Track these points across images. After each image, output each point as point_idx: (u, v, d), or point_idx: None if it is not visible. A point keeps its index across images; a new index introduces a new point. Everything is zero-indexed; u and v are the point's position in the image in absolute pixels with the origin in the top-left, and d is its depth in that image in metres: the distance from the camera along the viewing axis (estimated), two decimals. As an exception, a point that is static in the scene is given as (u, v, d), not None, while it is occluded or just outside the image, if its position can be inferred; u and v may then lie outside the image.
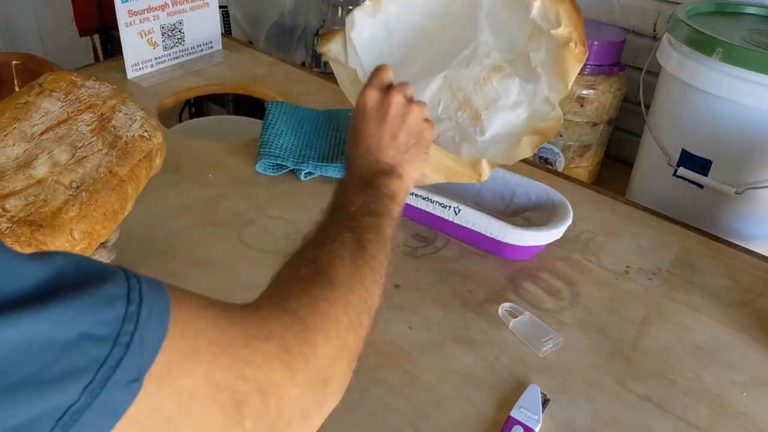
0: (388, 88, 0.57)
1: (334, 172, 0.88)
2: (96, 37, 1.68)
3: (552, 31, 0.69)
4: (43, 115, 0.62)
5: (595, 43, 0.98)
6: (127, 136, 0.65)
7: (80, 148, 0.61)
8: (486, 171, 0.66)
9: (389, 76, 0.58)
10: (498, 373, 0.62)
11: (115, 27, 1.09)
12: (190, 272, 0.70)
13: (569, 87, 0.69)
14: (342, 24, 0.74)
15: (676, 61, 0.87)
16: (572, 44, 0.69)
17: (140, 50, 1.12)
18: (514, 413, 0.56)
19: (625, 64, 1.04)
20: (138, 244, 0.71)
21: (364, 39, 0.74)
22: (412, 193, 0.76)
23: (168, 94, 1.09)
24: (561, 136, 1.09)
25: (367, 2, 0.74)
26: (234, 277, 0.70)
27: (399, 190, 0.54)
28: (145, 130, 0.66)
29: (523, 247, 0.74)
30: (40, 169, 0.57)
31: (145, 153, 0.67)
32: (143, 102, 1.06)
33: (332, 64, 0.71)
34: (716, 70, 0.81)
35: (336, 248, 0.43)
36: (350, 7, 1.40)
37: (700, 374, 0.63)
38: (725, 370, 0.64)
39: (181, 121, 1.62)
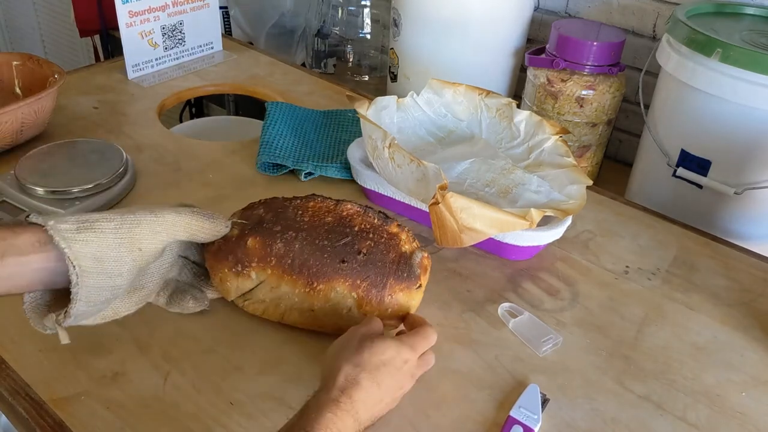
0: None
1: (334, 172, 0.88)
2: (96, 37, 1.68)
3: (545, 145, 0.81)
4: None
5: (595, 43, 0.98)
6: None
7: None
8: (535, 218, 0.68)
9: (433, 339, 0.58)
10: (498, 373, 0.62)
11: (116, 27, 1.10)
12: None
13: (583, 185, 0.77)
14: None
15: (675, 61, 0.87)
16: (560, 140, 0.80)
17: (141, 51, 1.12)
18: (514, 413, 0.57)
19: (625, 65, 1.04)
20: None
21: (384, 123, 0.85)
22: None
23: (168, 95, 1.09)
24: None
25: (395, 97, 0.87)
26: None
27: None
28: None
29: (523, 247, 0.74)
30: None
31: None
32: (144, 103, 1.06)
33: (362, 121, 0.78)
34: (715, 70, 0.81)
35: None
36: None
37: (700, 374, 0.63)
38: (725, 370, 0.64)
39: (181, 121, 1.62)
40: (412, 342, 0.55)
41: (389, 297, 0.60)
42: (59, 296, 0.54)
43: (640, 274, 0.76)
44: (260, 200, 0.65)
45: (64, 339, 0.52)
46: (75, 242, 0.49)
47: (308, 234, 0.60)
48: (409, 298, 0.62)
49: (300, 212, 0.62)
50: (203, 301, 0.63)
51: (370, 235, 0.61)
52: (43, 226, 0.49)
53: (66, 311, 0.50)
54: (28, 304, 0.53)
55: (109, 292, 0.52)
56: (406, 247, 0.62)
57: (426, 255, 0.63)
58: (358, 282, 0.60)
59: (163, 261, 0.58)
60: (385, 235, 0.62)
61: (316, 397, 0.49)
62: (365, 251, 0.60)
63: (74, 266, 0.49)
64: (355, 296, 0.60)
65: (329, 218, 0.62)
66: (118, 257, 0.52)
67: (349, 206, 0.63)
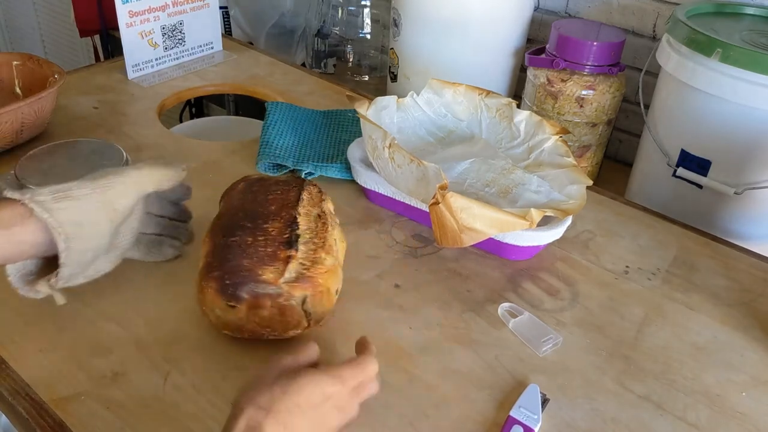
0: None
1: (334, 172, 0.88)
2: (96, 37, 1.68)
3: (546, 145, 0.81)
4: None
5: (595, 43, 0.98)
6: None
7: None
8: (535, 218, 0.67)
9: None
10: (498, 373, 0.62)
11: (116, 27, 1.10)
12: (191, 272, 0.70)
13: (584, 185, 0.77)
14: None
15: (675, 61, 0.87)
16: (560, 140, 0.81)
17: (141, 51, 1.12)
18: (514, 413, 0.57)
19: (625, 65, 1.04)
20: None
21: (385, 123, 0.85)
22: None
23: (168, 95, 1.09)
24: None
25: (395, 97, 0.87)
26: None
27: None
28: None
29: (523, 247, 0.74)
30: None
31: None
32: (144, 103, 1.06)
33: (362, 121, 0.78)
34: (715, 70, 0.81)
35: None
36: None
37: (700, 374, 0.63)
38: (725, 370, 0.64)
39: (181, 121, 1.62)
40: (340, 373, 0.49)
41: (203, 285, 0.60)
42: (44, 263, 0.57)
43: (640, 274, 0.76)
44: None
45: (60, 300, 0.56)
46: (55, 211, 0.52)
47: (245, 206, 0.64)
48: (214, 305, 0.59)
49: (269, 187, 0.66)
50: (179, 247, 0.70)
51: (260, 239, 0.60)
52: (20, 201, 0.52)
53: (57, 274, 0.54)
54: (13, 276, 0.56)
55: (92, 252, 0.56)
56: (268, 275, 0.58)
57: (275, 305, 0.58)
58: (209, 256, 0.60)
59: (132, 219, 0.62)
60: (267, 251, 0.59)
61: None
62: (236, 239, 0.60)
63: (59, 233, 0.52)
64: (200, 265, 0.61)
65: (273, 207, 0.64)
66: (96, 220, 0.56)
67: (297, 211, 0.63)
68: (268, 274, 0.58)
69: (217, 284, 0.58)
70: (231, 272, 0.58)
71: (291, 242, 0.60)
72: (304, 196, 0.66)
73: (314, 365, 0.51)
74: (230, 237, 0.61)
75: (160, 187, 0.63)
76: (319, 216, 0.65)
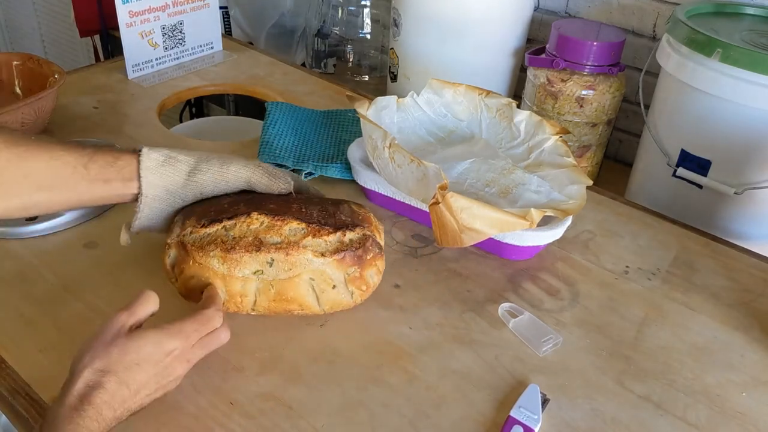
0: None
1: (334, 172, 0.88)
2: (96, 37, 1.68)
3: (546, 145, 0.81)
4: None
5: (595, 43, 0.98)
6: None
7: None
8: (536, 218, 0.67)
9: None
10: (498, 373, 0.62)
11: (116, 27, 1.10)
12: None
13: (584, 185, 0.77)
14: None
15: (675, 61, 0.87)
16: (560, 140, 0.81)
17: (141, 51, 1.12)
18: (514, 413, 0.57)
19: (625, 65, 1.04)
20: (140, 242, 0.70)
21: (385, 123, 0.85)
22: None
23: (168, 95, 1.09)
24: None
25: (395, 97, 0.87)
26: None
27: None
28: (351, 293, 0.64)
29: (523, 247, 0.74)
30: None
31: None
32: (144, 103, 1.06)
33: (362, 121, 0.78)
34: (716, 70, 0.81)
35: None
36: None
37: (700, 374, 0.63)
38: (725, 370, 0.64)
39: (181, 121, 1.62)
40: (182, 329, 0.53)
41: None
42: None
43: (640, 274, 0.76)
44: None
45: (123, 240, 0.64)
46: (153, 173, 0.60)
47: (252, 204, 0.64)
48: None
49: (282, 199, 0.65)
50: None
51: (223, 202, 0.63)
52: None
53: (132, 223, 0.62)
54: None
55: (170, 209, 0.64)
56: (190, 223, 0.62)
57: (166, 249, 0.62)
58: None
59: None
60: (216, 208, 0.62)
61: (51, 410, 0.47)
62: (224, 200, 0.62)
63: (142, 193, 0.60)
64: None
65: (273, 205, 0.63)
66: (184, 195, 0.63)
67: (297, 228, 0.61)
68: (191, 224, 0.61)
69: (201, 251, 0.61)
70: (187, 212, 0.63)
71: (216, 218, 0.61)
72: (307, 239, 0.61)
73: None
74: (223, 199, 0.64)
75: (252, 188, 0.66)
76: (287, 249, 0.60)
